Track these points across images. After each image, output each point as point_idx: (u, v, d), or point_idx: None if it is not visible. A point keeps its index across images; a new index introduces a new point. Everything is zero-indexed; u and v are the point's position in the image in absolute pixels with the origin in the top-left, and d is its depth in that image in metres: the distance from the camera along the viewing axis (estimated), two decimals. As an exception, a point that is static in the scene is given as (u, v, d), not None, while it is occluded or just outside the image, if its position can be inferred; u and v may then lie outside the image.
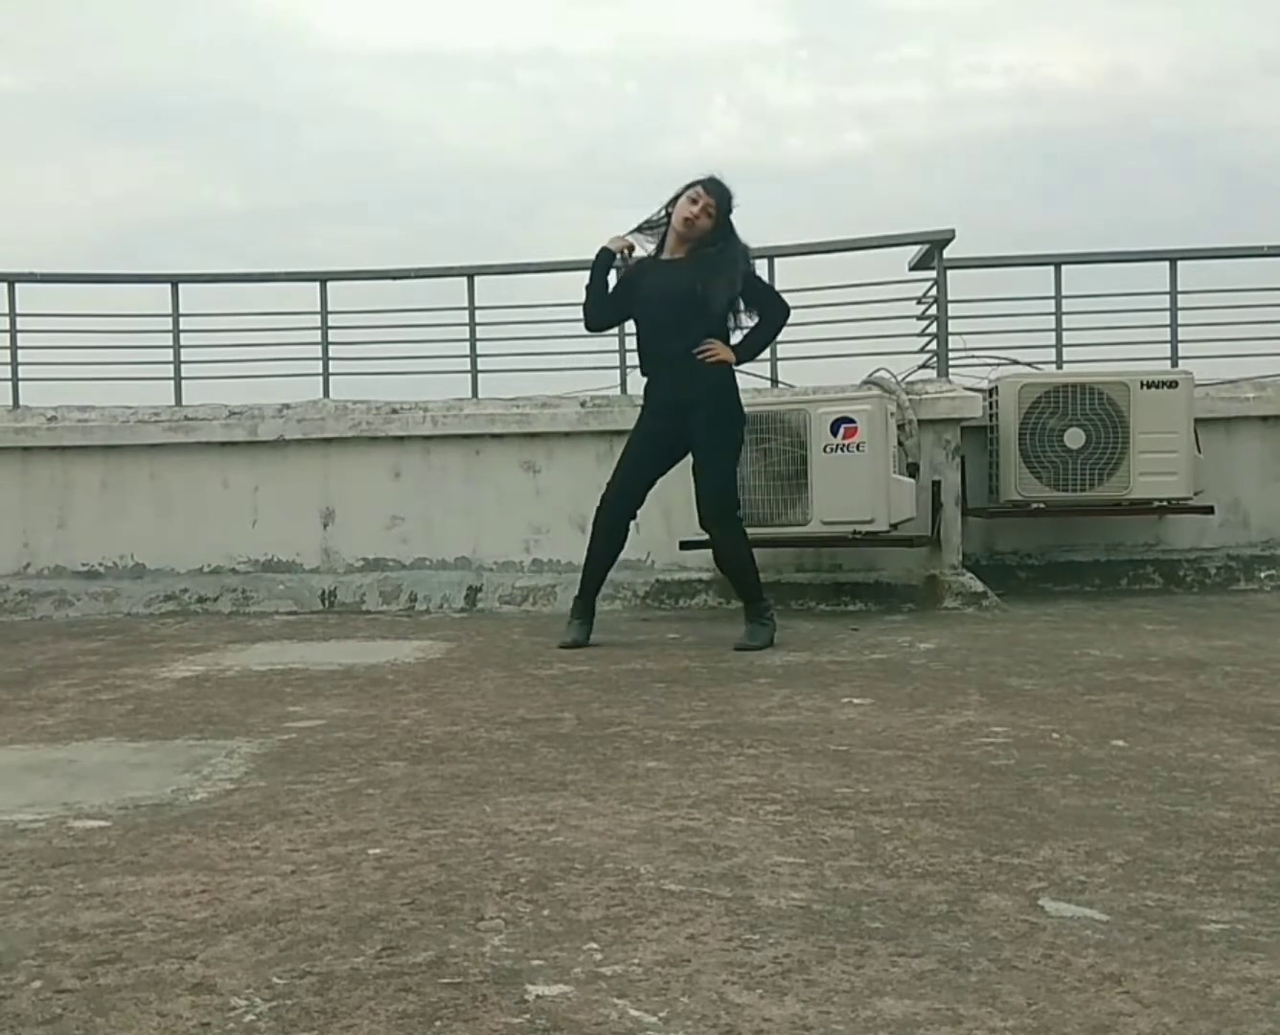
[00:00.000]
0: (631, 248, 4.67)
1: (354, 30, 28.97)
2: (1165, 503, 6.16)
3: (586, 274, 4.74)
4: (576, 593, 4.80)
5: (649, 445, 4.68)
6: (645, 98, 29.01)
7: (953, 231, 6.20)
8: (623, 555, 4.85)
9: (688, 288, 4.48)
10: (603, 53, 29.54)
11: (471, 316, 6.96)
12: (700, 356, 4.52)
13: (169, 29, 27.30)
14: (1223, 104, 26.53)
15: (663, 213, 4.63)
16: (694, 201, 4.48)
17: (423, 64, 29.46)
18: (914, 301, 6.54)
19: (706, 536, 5.71)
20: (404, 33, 28.91)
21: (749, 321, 4.68)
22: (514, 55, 28.71)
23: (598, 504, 4.75)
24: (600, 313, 4.76)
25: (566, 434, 6.44)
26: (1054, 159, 26.21)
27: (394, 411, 6.69)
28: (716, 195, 4.50)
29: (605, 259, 4.67)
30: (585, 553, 4.83)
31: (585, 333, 5.00)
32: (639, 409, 4.84)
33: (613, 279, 4.72)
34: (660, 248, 4.65)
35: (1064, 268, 6.68)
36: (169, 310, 7.03)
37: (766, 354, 6.57)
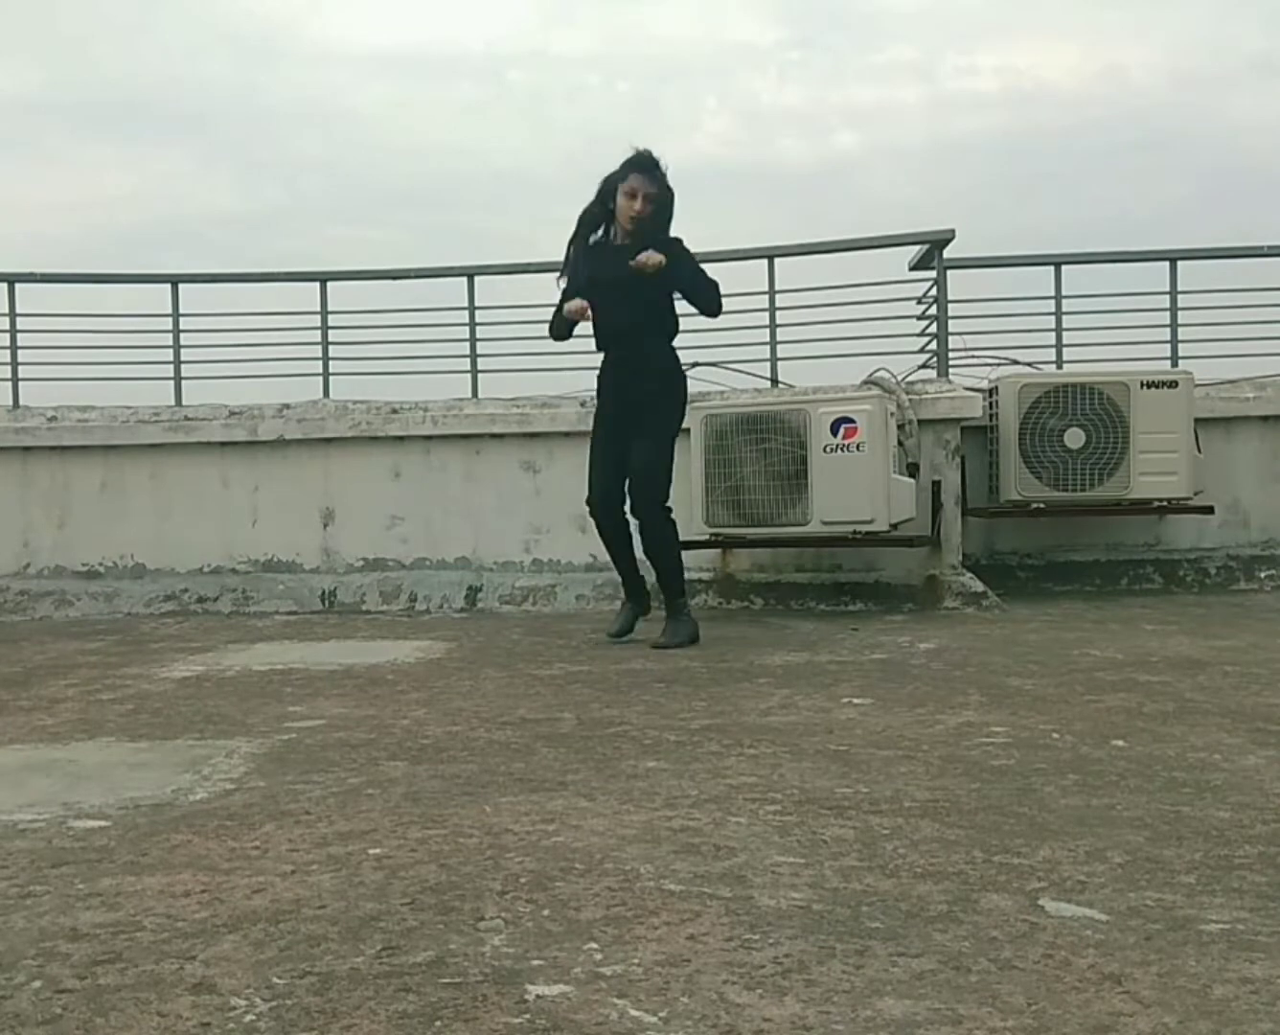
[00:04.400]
0: (585, 312, 4.70)
1: (347, 32, 29.01)
2: (1165, 503, 6.16)
3: (551, 313, 4.85)
4: (622, 587, 4.95)
5: (610, 439, 4.75)
6: (637, 98, 29.05)
7: (953, 231, 6.20)
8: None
9: (630, 279, 4.54)
10: (594, 54, 29.58)
11: (471, 316, 6.96)
12: (634, 266, 4.53)
13: (167, 30, 27.30)
14: (1214, 104, 26.56)
15: (602, 207, 4.66)
16: (632, 196, 4.54)
17: (415, 65, 29.50)
18: (914, 301, 6.55)
19: (706, 536, 5.74)
20: (397, 34, 28.95)
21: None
22: (505, 56, 28.76)
23: (590, 505, 4.81)
24: (562, 337, 4.88)
25: (566, 434, 6.44)
26: (1046, 160, 26.24)
27: (394, 411, 6.70)
28: (651, 179, 4.54)
29: (565, 325, 4.78)
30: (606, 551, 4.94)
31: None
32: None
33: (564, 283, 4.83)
34: (608, 231, 4.68)
35: (1064, 268, 6.68)
36: (169, 310, 7.03)
37: (766, 354, 6.60)
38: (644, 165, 4.55)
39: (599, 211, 4.67)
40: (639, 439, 4.68)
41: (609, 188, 4.62)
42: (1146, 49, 26.42)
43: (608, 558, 4.97)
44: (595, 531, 4.87)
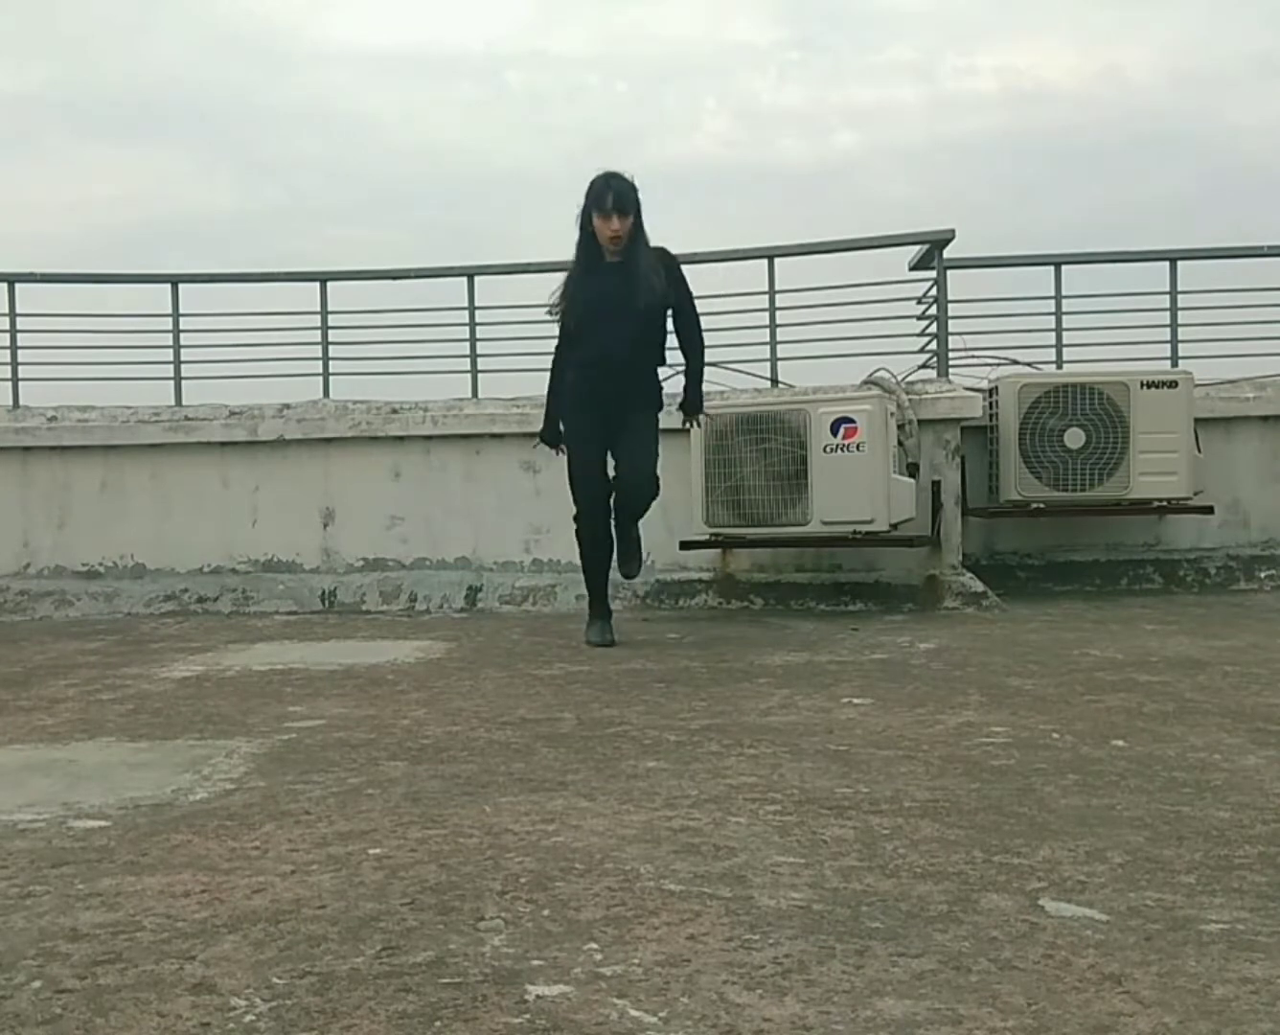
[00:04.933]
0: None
1: (347, 32, 29.03)
2: (1165, 503, 6.16)
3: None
4: (590, 599, 4.87)
5: (593, 443, 4.71)
6: (636, 98, 29.07)
7: (953, 231, 6.20)
8: (623, 555, 4.87)
9: (628, 298, 4.55)
10: (592, 54, 29.61)
11: (471, 316, 6.96)
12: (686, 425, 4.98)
13: (168, 30, 27.32)
14: (1214, 104, 26.58)
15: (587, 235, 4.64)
16: (606, 220, 4.54)
17: (415, 66, 29.53)
18: (914, 301, 6.55)
19: (706, 536, 5.74)
20: (396, 35, 28.99)
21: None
22: (504, 56, 28.78)
23: (584, 511, 4.75)
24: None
25: (566, 434, 6.43)
26: (1046, 160, 26.26)
27: (394, 411, 6.69)
28: (625, 199, 4.54)
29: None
30: (583, 564, 4.87)
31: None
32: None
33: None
34: (588, 254, 4.64)
35: (1064, 268, 6.68)
36: (169, 310, 7.03)
37: (766, 354, 6.60)
38: (609, 184, 4.55)
39: (588, 243, 4.64)
40: (631, 441, 4.66)
41: (585, 215, 4.61)
42: (1145, 49, 26.45)
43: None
44: (577, 542, 4.83)
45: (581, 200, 4.62)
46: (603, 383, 4.64)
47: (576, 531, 4.81)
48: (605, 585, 4.84)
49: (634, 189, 4.58)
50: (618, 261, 4.61)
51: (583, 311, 4.65)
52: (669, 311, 4.73)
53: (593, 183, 4.58)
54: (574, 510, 4.81)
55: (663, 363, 4.81)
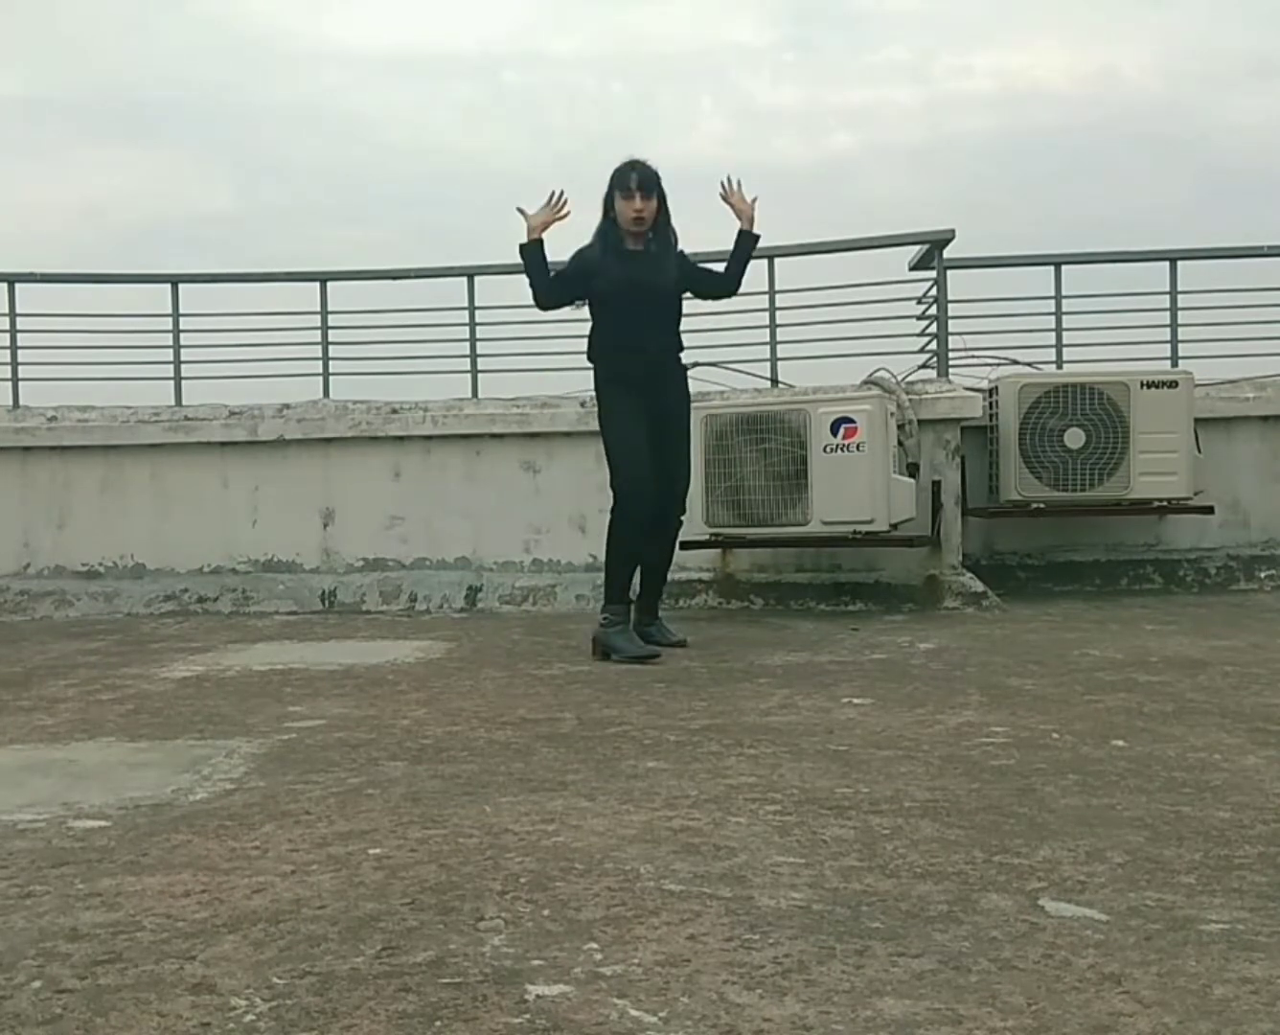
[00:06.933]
0: (548, 225, 4.58)
1: (347, 33, 29.04)
2: (1165, 503, 6.16)
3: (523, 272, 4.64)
4: (615, 598, 4.46)
5: (638, 428, 4.51)
6: (632, 99, 29.06)
7: (953, 231, 6.20)
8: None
9: (658, 283, 4.55)
10: (588, 54, 29.57)
11: (471, 316, 6.96)
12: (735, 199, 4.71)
13: (167, 30, 27.32)
14: (1212, 104, 26.58)
15: (603, 219, 4.60)
16: (630, 198, 4.50)
17: (413, 66, 29.52)
18: (914, 301, 6.55)
19: (706, 536, 5.73)
20: (395, 35, 28.98)
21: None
22: (500, 57, 28.78)
23: (629, 492, 4.41)
24: (553, 294, 4.64)
25: (566, 434, 6.44)
26: (1045, 160, 26.26)
27: (394, 411, 6.70)
28: (649, 181, 4.52)
29: (535, 251, 4.58)
30: (619, 553, 4.47)
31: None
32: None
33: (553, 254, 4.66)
34: (609, 239, 4.57)
35: (1064, 268, 6.69)
36: (169, 310, 7.03)
37: (766, 354, 6.60)
38: (633, 166, 4.53)
39: (610, 231, 4.58)
40: (676, 451, 4.63)
41: (608, 200, 4.58)
42: (1141, 49, 26.45)
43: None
44: (613, 528, 4.51)
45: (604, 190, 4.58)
46: (640, 372, 4.55)
47: (612, 523, 4.49)
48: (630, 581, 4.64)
49: (658, 176, 4.56)
50: (639, 249, 4.56)
51: (610, 299, 4.56)
52: (683, 294, 4.71)
53: (616, 168, 4.55)
54: (596, 502, 4.73)
55: (683, 348, 4.75)
